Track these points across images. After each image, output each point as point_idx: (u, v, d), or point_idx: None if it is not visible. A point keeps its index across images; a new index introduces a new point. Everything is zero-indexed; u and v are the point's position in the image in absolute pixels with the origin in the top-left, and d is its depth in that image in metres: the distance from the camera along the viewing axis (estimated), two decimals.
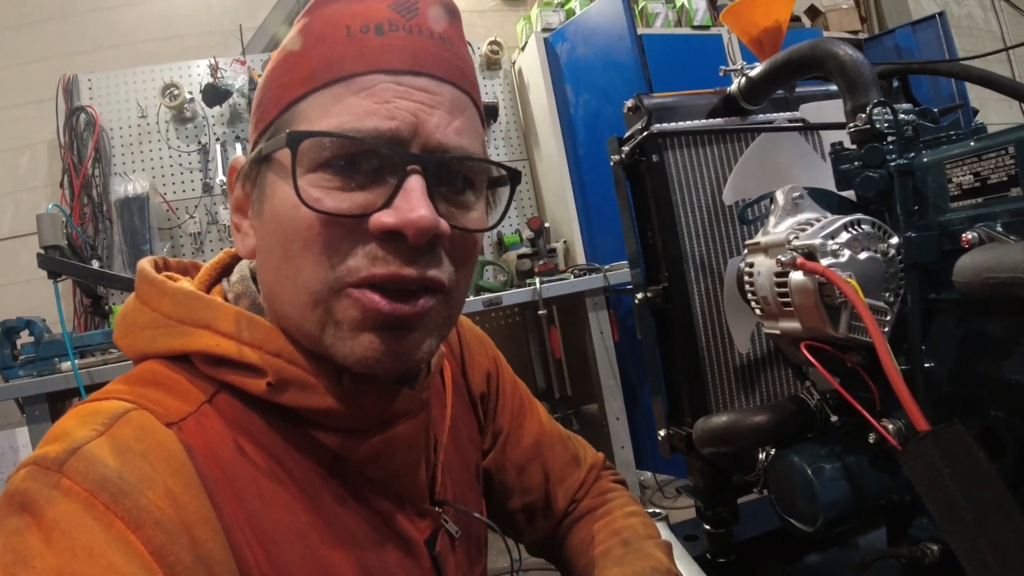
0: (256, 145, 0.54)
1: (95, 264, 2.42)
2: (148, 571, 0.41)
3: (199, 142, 3.06)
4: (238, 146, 3.09)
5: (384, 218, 0.47)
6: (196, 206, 3.03)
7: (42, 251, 2.05)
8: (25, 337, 2.05)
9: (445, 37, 0.53)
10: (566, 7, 3.20)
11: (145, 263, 0.58)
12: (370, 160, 0.49)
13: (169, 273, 0.59)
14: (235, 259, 0.62)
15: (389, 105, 0.48)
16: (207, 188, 3.05)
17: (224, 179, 3.05)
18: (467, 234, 0.53)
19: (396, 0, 0.51)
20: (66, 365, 1.94)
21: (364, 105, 0.48)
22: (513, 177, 0.57)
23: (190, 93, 3.01)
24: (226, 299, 0.57)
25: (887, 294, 0.67)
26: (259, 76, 3.42)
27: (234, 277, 0.59)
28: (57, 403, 2.03)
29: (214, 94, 2.97)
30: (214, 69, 3.01)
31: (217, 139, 3.07)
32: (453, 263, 0.52)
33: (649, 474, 2.89)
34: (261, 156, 0.52)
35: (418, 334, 0.51)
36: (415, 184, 0.48)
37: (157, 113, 3.01)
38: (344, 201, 0.48)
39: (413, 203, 0.47)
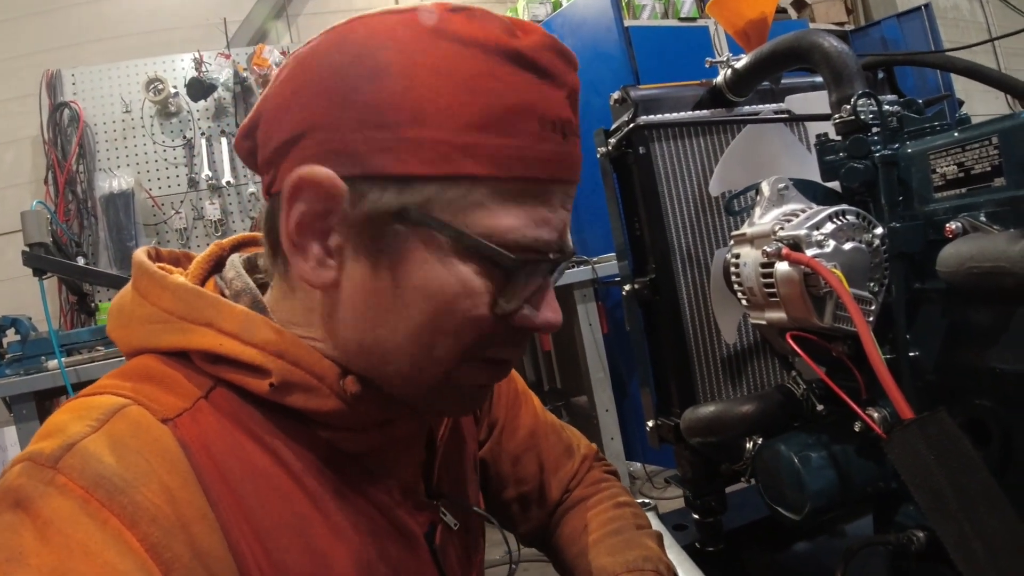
0: (374, 181, 0.46)
1: (81, 261, 2.41)
2: (144, 569, 0.40)
3: (184, 137, 3.04)
4: (223, 140, 3.06)
5: (534, 320, 0.52)
6: (182, 201, 3.01)
7: (27, 248, 2.03)
8: (11, 335, 2.04)
9: None
10: None
11: (141, 254, 0.56)
12: (529, 263, 0.50)
13: (163, 264, 0.57)
14: (225, 252, 0.61)
15: (555, 216, 0.50)
16: (193, 183, 3.03)
17: (210, 174, 3.02)
18: None
19: (572, 86, 0.51)
20: (53, 363, 1.92)
21: (541, 213, 0.49)
22: None
23: (174, 87, 2.99)
24: (222, 295, 0.55)
25: (872, 284, 0.67)
26: (245, 70, 3.34)
27: (229, 273, 0.57)
28: (45, 401, 2.02)
29: (199, 88, 2.95)
30: (198, 63, 2.99)
31: (202, 133, 3.04)
32: None
33: (638, 465, 2.90)
34: (408, 217, 0.46)
35: None
36: (550, 285, 0.53)
37: (141, 108, 2.99)
38: (505, 301, 0.50)
39: (554, 306, 0.53)
